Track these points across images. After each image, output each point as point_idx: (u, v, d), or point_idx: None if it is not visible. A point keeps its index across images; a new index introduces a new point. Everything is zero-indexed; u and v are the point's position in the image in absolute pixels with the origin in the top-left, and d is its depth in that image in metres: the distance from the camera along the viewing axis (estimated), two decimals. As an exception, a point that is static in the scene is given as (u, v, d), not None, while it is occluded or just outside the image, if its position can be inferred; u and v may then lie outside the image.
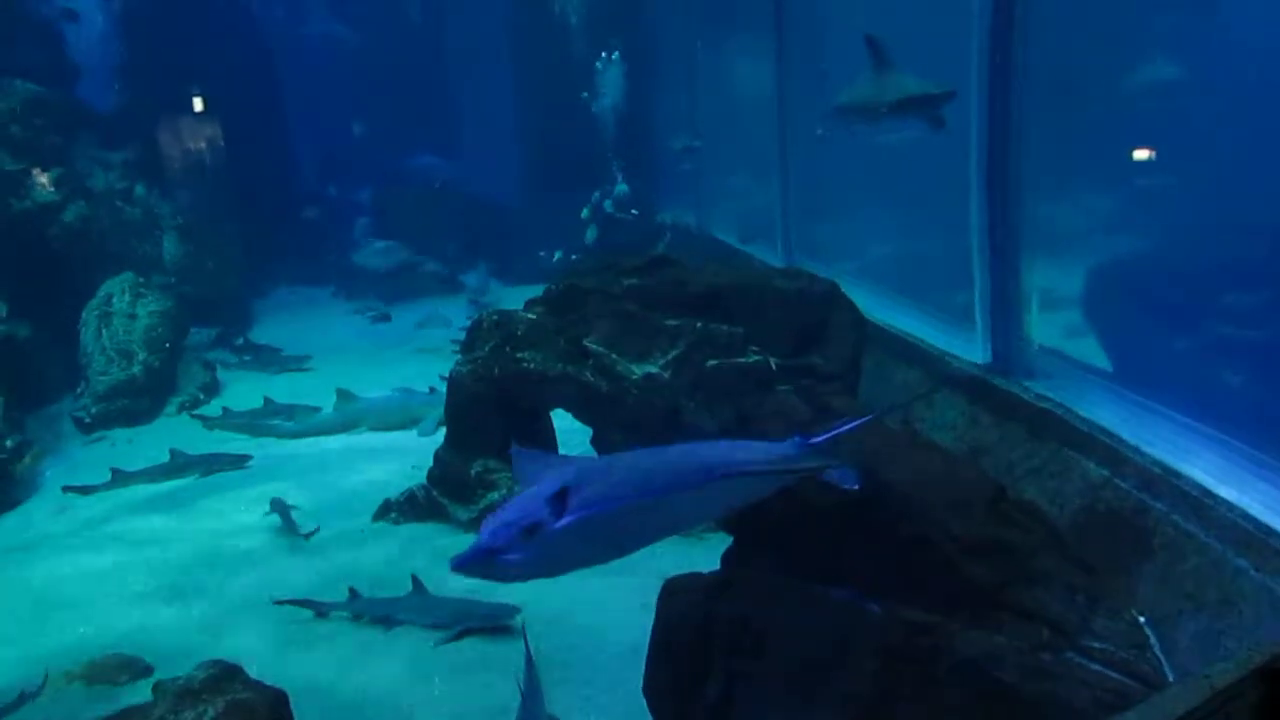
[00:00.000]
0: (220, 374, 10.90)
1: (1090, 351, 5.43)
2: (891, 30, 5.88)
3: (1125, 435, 4.42)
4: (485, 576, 3.04)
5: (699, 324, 6.33)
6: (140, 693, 3.94)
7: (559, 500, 2.96)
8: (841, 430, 3.55)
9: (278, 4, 18.27)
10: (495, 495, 6.25)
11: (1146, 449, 4.23)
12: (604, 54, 14.94)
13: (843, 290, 6.55)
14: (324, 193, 17.78)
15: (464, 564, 2.98)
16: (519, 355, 6.30)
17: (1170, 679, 3.41)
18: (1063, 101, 5.61)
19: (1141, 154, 5.53)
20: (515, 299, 7.53)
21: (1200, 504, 3.78)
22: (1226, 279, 4.74)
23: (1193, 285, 4.99)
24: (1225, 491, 3.76)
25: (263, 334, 13.05)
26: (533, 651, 4.64)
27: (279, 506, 6.75)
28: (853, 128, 6.23)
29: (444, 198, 16.67)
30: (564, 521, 2.94)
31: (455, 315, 13.06)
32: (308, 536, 6.50)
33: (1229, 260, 4.80)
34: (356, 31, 18.22)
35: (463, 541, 5.16)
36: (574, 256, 13.47)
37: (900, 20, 6.15)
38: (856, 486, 3.38)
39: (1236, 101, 4.69)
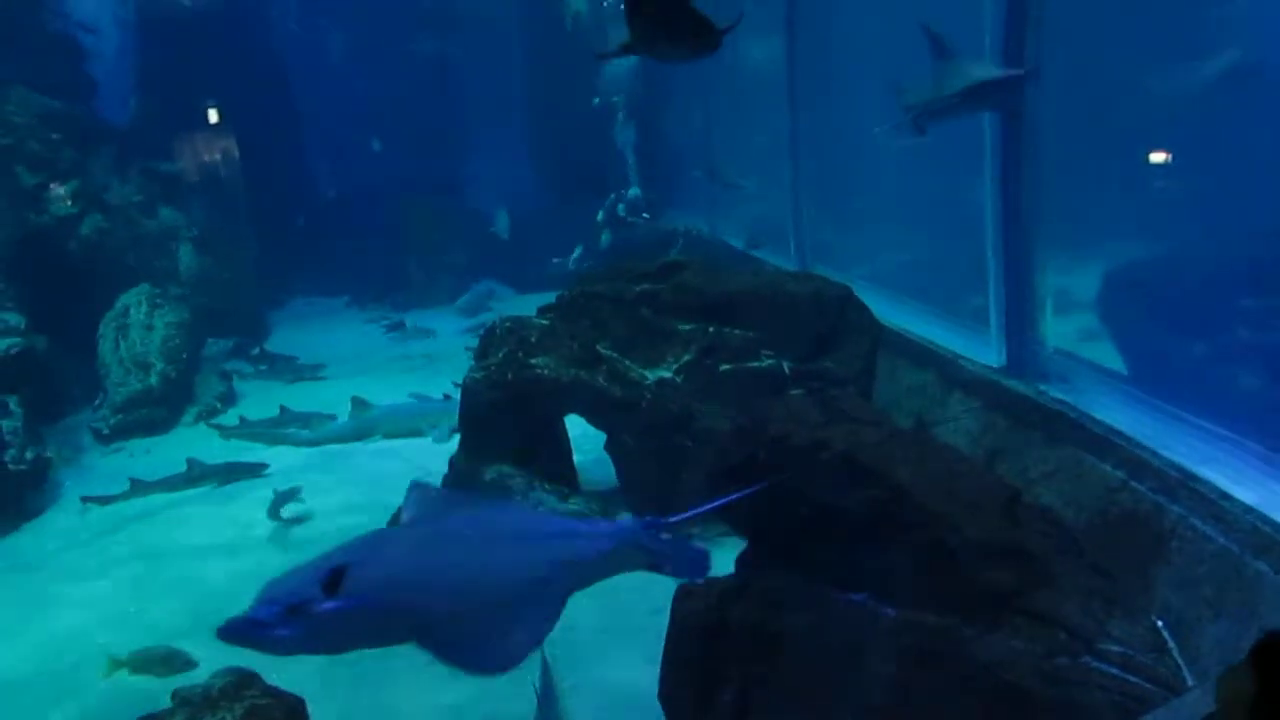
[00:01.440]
0: (237, 384, 10.96)
1: (1106, 354, 5.40)
2: (902, 28, 5.81)
3: (1141, 438, 4.39)
4: (254, 649, 2.82)
5: (711, 329, 6.34)
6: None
7: (334, 578, 2.73)
8: (693, 514, 3.27)
9: (291, 14, 18.39)
10: (509, 502, 6.27)
11: (1163, 452, 4.20)
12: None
13: (856, 294, 6.55)
14: (323, 200, 17.81)
15: (228, 634, 2.78)
16: (532, 361, 6.32)
17: (1189, 683, 3.39)
18: (1079, 102, 5.60)
19: (1158, 157, 5.51)
20: (528, 306, 7.55)
21: (1218, 507, 3.75)
22: (1243, 282, 4.72)
23: (1209, 288, 4.96)
24: (1243, 494, 3.73)
25: (278, 344, 13.12)
26: (548, 657, 4.65)
27: (281, 498, 6.98)
28: (922, 124, 5.63)
29: (455, 211, 16.72)
30: (329, 606, 2.72)
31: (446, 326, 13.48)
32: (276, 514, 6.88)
33: (1245, 263, 4.78)
34: (368, 37, 18.25)
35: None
36: (587, 264, 13.46)
37: (914, 17, 6.09)
38: (700, 580, 3.07)
39: (1252, 104, 4.67)
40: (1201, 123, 5.16)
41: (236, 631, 2.76)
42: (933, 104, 5.26)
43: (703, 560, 3.14)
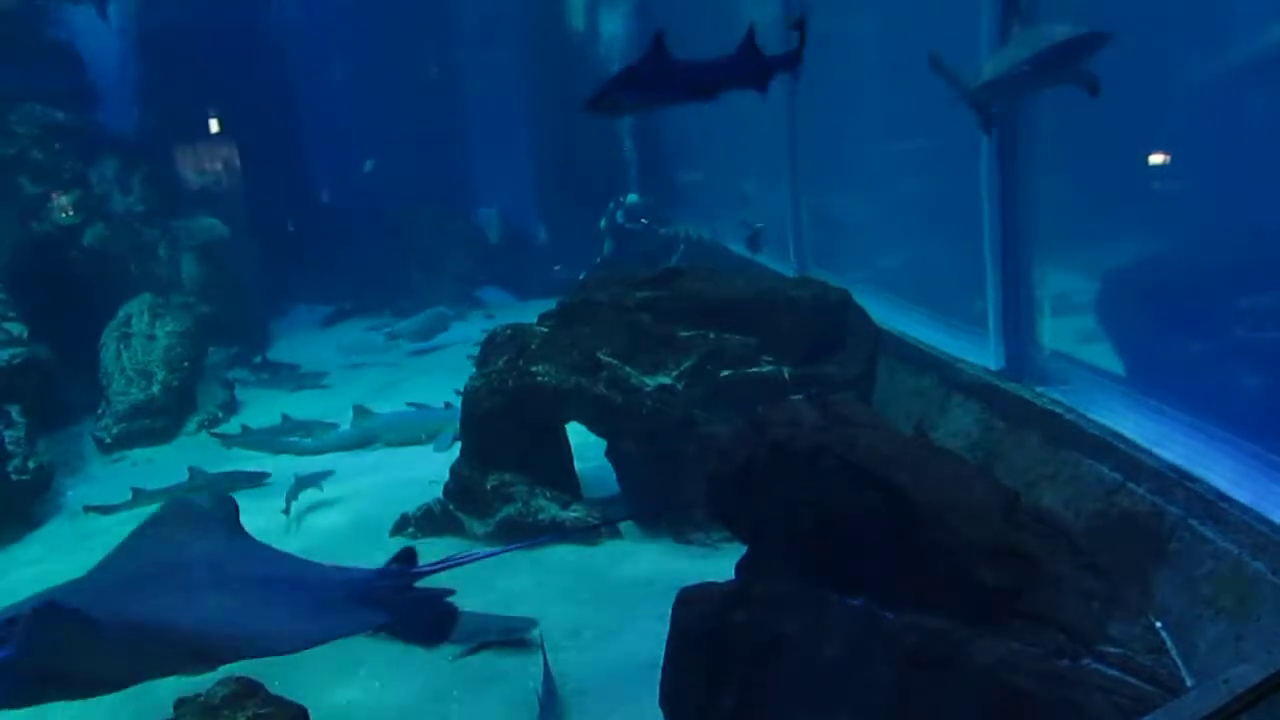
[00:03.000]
0: (239, 392, 10.98)
1: (1104, 356, 5.41)
2: (899, 29, 5.79)
3: (1139, 439, 4.40)
4: None
5: (712, 335, 6.36)
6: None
7: (8, 627, 2.52)
8: (445, 565, 3.13)
9: (290, 18, 18.50)
10: (511, 508, 6.28)
11: (1161, 453, 4.22)
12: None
13: (855, 299, 6.57)
14: (322, 207, 17.85)
15: None
16: (533, 369, 6.34)
17: (1188, 683, 3.40)
18: (1075, 105, 5.60)
19: (1156, 158, 5.51)
20: (529, 313, 7.57)
21: (1216, 507, 3.77)
22: (1241, 282, 4.73)
23: (1207, 288, 4.97)
24: (1241, 494, 3.74)
25: (281, 352, 13.15)
26: (550, 665, 4.66)
27: (301, 483, 7.26)
28: (999, 102, 5.14)
29: (457, 218, 16.74)
30: (3, 654, 2.54)
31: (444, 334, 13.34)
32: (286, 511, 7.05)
33: (1243, 263, 4.79)
34: (371, 47, 18.33)
35: (479, 555, 5.17)
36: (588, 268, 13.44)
37: (908, 19, 6.07)
38: (434, 645, 2.82)
39: (1246, 104, 4.68)
40: (1201, 120, 5.17)
41: None
42: (1020, 68, 4.66)
43: (444, 622, 2.95)
